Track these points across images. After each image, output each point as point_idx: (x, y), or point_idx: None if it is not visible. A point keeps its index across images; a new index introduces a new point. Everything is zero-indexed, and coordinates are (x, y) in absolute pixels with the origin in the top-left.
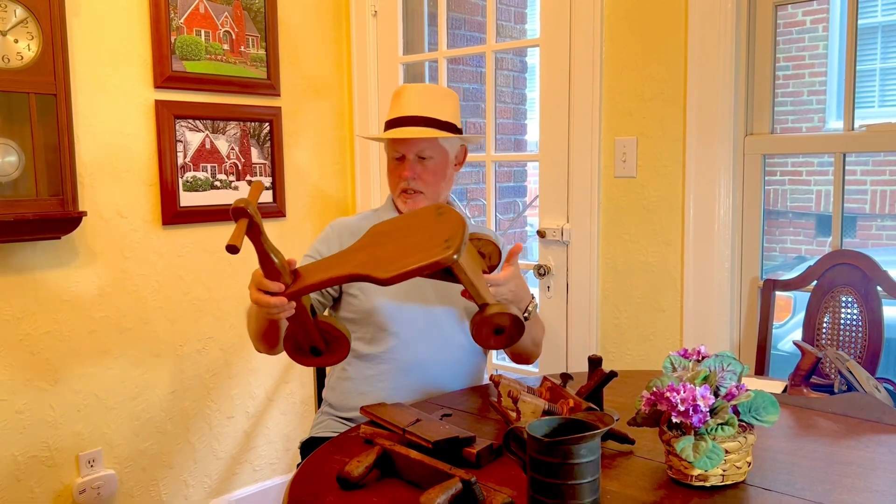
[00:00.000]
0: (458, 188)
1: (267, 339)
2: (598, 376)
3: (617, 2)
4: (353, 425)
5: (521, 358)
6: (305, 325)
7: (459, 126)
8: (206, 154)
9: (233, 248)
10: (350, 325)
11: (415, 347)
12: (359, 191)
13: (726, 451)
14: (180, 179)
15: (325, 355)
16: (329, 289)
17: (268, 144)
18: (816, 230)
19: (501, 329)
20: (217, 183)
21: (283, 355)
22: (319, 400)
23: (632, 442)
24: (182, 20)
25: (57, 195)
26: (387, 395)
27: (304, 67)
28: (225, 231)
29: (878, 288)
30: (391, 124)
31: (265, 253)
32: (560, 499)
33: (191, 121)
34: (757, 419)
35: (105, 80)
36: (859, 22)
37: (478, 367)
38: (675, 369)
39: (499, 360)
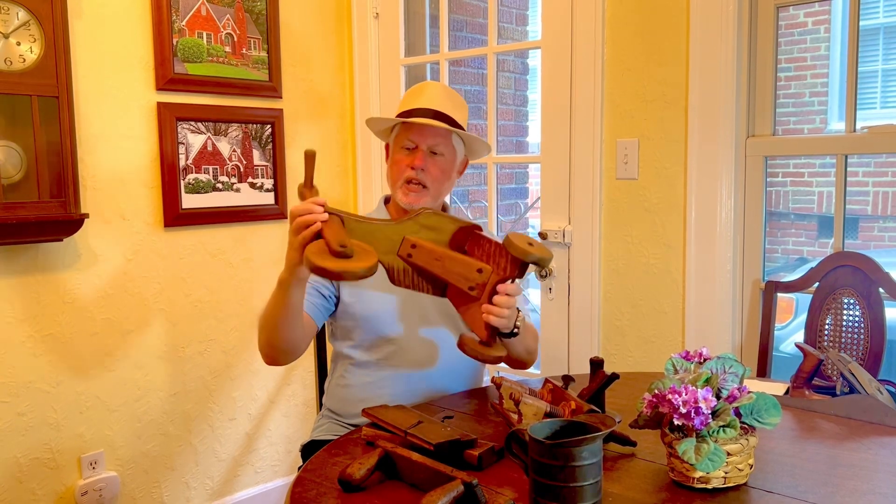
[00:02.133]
0: (460, 190)
1: (288, 312)
2: (600, 378)
3: (618, 4)
4: (353, 428)
5: (516, 363)
6: (337, 227)
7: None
8: (207, 156)
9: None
10: (347, 332)
11: (413, 353)
12: (360, 192)
13: (728, 454)
14: (182, 181)
15: (353, 259)
16: (329, 292)
17: (269, 146)
18: (818, 232)
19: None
20: (219, 185)
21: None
22: (321, 402)
23: (633, 444)
24: (184, 22)
25: (59, 197)
26: (387, 401)
27: (305, 69)
28: (226, 233)
29: (881, 290)
30: (409, 114)
31: (311, 180)
32: (562, 501)
33: (192, 123)
34: (759, 421)
35: (107, 82)
36: (861, 23)
37: (476, 371)
38: (676, 371)
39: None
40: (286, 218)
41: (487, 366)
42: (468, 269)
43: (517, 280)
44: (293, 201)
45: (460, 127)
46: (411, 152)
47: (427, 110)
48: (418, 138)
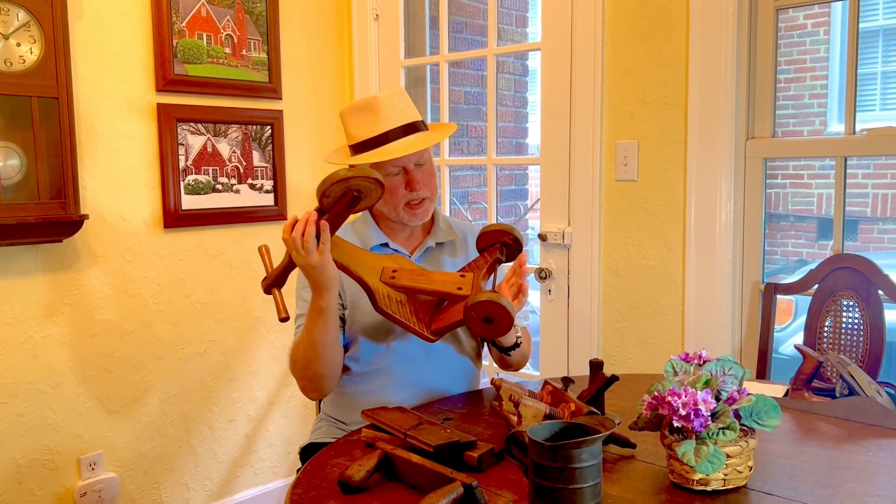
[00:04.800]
0: (460, 191)
1: (329, 334)
2: (600, 380)
3: (618, 5)
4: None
5: (510, 367)
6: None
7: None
8: (207, 157)
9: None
10: (347, 343)
11: (410, 360)
12: None
13: (728, 456)
14: (182, 182)
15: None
16: (342, 311)
17: (269, 147)
18: (818, 234)
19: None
20: (219, 186)
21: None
22: (320, 404)
23: (633, 446)
24: (184, 24)
25: (59, 198)
26: (386, 406)
27: (305, 71)
28: (226, 234)
29: (880, 292)
30: (382, 139)
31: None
32: (561, 503)
33: (192, 124)
34: (758, 423)
35: (107, 83)
36: (860, 25)
37: (473, 372)
38: (676, 373)
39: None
40: (286, 219)
41: (486, 367)
42: (451, 276)
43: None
44: (293, 203)
45: (423, 123)
46: (401, 176)
47: (397, 129)
48: (403, 161)
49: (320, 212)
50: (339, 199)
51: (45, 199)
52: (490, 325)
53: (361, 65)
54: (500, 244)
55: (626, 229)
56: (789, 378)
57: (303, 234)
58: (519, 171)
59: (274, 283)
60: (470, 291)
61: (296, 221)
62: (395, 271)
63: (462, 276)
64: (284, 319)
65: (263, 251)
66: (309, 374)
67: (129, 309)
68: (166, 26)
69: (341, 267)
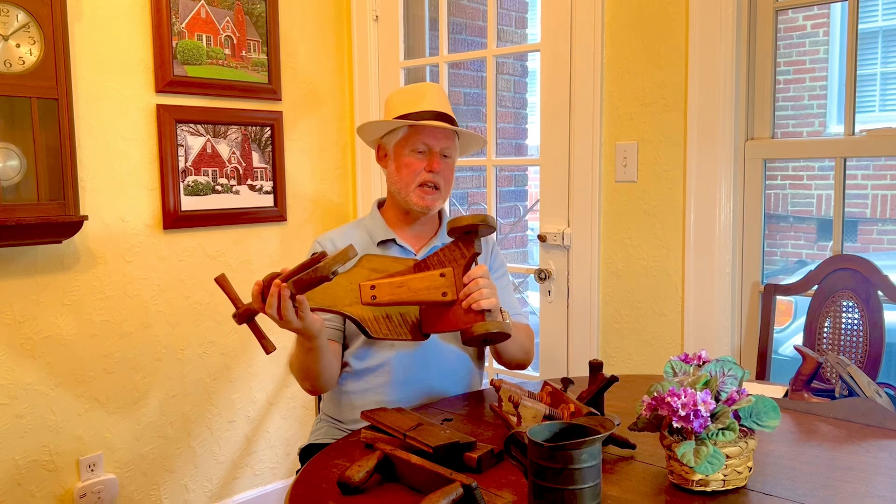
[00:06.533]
0: (460, 192)
1: (323, 360)
2: (599, 381)
3: (618, 7)
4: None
5: (513, 364)
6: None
7: None
8: (207, 158)
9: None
10: (346, 341)
11: (409, 359)
12: (359, 196)
13: (727, 456)
14: (181, 184)
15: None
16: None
17: (269, 149)
18: (817, 234)
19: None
20: (218, 187)
21: (284, 363)
22: (319, 405)
23: (633, 447)
24: (183, 25)
25: (58, 199)
26: (385, 405)
27: (305, 72)
28: (225, 235)
29: (879, 293)
30: (418, 117)
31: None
32: None
33: (192, 125)
34: (758, 424)
35: (106, 84)
36: (860, 26)
37: (474, 373)
38: (675, 374)
39: (499, 365)
40: (285, 220)
41: (486, 368)
42: (432, 280)
43: (478, 260)
44: (293, 205)
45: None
46: (425, 155)
47: (434, 113)
48: (433, 141)
49: (289, 277)
50: (315, 284)
51: (44, 201)
52: (488, 342)
53: (361, 66)
54: (475, 232)
55: (625, 230)
56: (789, 379)
57: (279, 309)
58: (518, 173)
59: (247, 317)
60: (455, 295)
61: (263, 289)
62: (373, 287)
63: (441, 275)
64: (273, 350)
65: (223, 281)
66: (307, 385)
67: (129, 310)
68: (166, 27)
69: (322, 310)
